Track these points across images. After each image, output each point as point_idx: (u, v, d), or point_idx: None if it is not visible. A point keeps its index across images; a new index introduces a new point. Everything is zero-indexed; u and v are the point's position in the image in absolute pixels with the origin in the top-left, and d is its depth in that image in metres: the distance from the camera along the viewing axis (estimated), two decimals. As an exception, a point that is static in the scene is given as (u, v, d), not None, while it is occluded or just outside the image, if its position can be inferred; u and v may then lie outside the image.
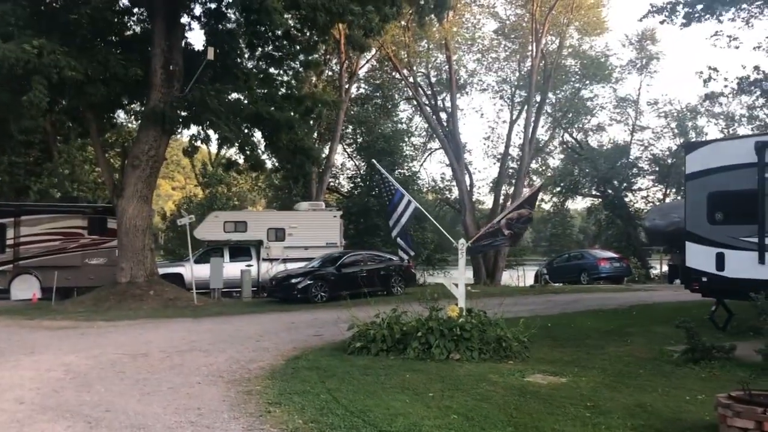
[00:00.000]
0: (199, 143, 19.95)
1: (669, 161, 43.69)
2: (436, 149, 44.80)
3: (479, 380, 7.63)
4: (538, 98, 36.98)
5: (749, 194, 10.46)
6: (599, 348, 10.13)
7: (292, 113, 20.99)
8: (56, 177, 29.69)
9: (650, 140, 45.11)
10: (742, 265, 10.49)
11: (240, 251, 23.15)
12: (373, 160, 11.44)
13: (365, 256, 20.70)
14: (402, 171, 36.95)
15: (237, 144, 20.30)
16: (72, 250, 22.42)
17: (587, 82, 43.17)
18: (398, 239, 10.77)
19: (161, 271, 20.94)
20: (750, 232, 10.45)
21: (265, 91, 21.18)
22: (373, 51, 35.33)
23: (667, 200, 41.01)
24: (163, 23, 18.58)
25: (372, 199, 33.00)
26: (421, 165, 41.58)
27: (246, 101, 19.68)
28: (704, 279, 11.21)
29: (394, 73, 38.91)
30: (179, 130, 19.20)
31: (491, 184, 44.01)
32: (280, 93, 21.90)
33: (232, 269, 21.58)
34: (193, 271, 19.61)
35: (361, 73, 37.92)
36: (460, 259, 10.12)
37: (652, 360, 8.97)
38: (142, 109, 19.62)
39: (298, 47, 22.28)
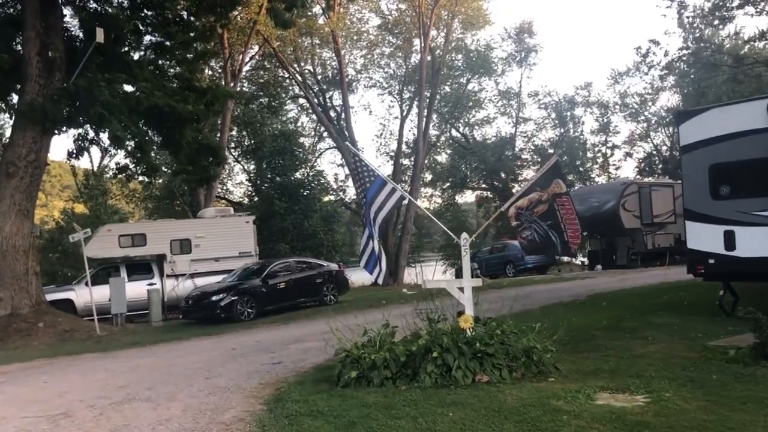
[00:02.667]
0: (87, 144, 16.84)
1: (550, 151, 45.07)
2: (326, 149, 43.37)
3: (545, 411, 5.93)
4: (428, 93, 36.37)
5: (761, 163, 9.48)
6: (625, 350, 8.74)
7: (191, 107, 18.39)
8: None
9: (533, 131, 46.52)
10: (758, 242, 9.47)
11: (139, 268, 20.20)
12: (348, 143, 9.42)
13: (292, 264, 18.48)
14: (305, 170, 34.80)
15: (131, 144, 17.47)
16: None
17: (474, 75, 43.53)
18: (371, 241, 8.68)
19: (47, 297, 17.66)
20: (764, 206, 9.46)
21: (161, 83, 18.40)
22: (256, 48, 33.32)
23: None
24: (35, 1, 15.46)
25: (277, 201, 30.66)
26: (311, 166, 39.59)
27: (141, 93, 16.82)
28: (711, 261, 10.12)
29: (279, 71, 36.93)
30: (63, 129, 15.98)
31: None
32: (176, 85, 19.23)
33: (133, 289, 18.66)
34: (92, 295, 16.55)
35: (243, 71, 35.42)
36: (464, 257, 8.36)
37: (706, 360, 7.65)
38: (15, 105, 16.26)
39: (192, 34, 19.74)
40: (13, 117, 15.92)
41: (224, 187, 39.90)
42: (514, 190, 46.30)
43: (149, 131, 18.02)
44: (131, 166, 20.02)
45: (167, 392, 8.20)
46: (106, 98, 15.33)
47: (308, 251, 29.98)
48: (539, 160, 45.43)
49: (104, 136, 17.58)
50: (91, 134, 16.82)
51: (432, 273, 43.25)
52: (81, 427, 6.79)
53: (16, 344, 14.35)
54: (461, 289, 8.28)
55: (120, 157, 34.56)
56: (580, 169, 45.72)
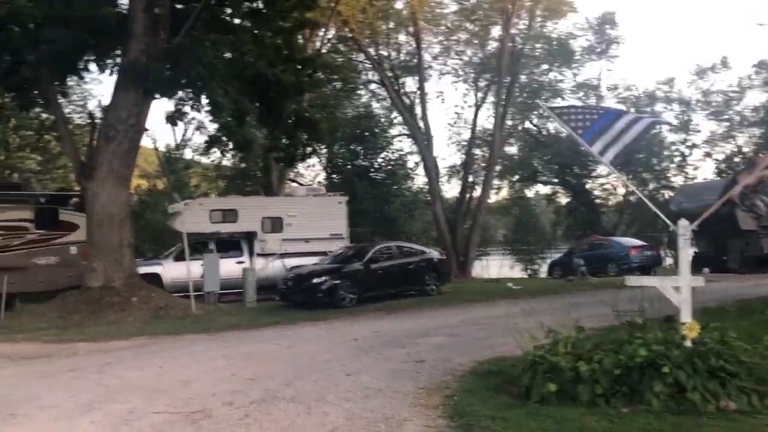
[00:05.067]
0: (186, 109, 15.81)
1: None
2: (396, 136, 41.89)
3: None
4: (507, 80, 34.51)
5: None
6: None
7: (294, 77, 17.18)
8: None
9: None
10: None
11: (229, 245, 19.19)
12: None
13: (394, 249, 17.15)
14: (387, 154, 33.38)
15: (229, 115, 16.36)
16: (16, 248, 17.99)
17: (553, 65, 41.46)
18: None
19: (134, 271, 16.86)
20: None
21: (264, 51, 17.21)
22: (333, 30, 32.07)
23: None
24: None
25: (357, 181, 29.39)
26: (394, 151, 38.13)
27: (247, 59, 15.67)
28: None
29: (354, 55, 35.57)
30: (163, 93, 14.96)
31: (457, 170, 41.65)
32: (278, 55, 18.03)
33: (222, 267, 17.66)
34: (189, 271, 15.56)
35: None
36: (682, 249, 6.77)
37: None
38: (116, 64, 15.31)
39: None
40: (116, 77, 14.95)
41: (295, 170, 38.96)
42: (587, 186, 44.39)
43: (247, 101, 16.83)
44: (224, 138, 19.04)
45: (311, 391, 6.92)
46: (210, 60, 14.24)
47: (388, 237, 28.71)
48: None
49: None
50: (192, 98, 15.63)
51: (498, 267, 41.55)
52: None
53: (110, 318, 13.50)
54: (676, 289, 6.68)
55: (203, 132, 34.99)
56: (656, 168, 43.10)
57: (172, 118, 15.89)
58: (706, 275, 23.23)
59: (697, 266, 25.74)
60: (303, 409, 6.21)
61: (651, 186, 44.38)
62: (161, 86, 14.28)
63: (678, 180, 43.69)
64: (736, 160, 41.41)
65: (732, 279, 20.39)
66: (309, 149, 19.50)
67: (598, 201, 44.79)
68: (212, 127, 19.63)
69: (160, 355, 9.50)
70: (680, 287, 6.66)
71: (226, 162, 36.30)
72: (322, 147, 21.92)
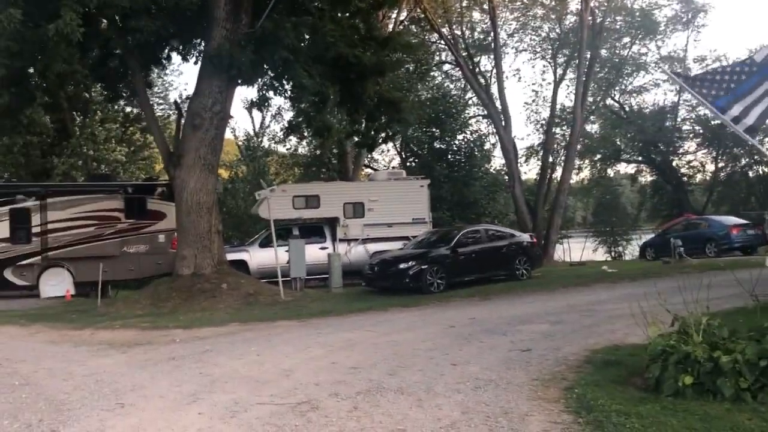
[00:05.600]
0: (271, 94, 15.69)
1: (714, 122, 40.18)
2: (472, 117, 40.92)
3: None
4: (588, 55, 32.99)
5: None
6: None
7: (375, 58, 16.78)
8: (79, 157, 25.73)
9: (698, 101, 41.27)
10: None
11: (311, 231, 19.17)
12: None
13: (482, 233, 16.62)
14: (465, 136, 32.66)
15: (313, 96, 16.14)
16: (108, 237, 18.54)
17: (636, 37, 39.38)
18: None
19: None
20: None
21: (344, 32, 16.87)
22: (405, 12, 31.38)
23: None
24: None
25: (437, 167, 28.89)
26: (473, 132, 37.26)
27: (329, 39, 15.36)
28: None
29: (428, 35, 34.80)
30: (247, 79, 14.86)
31: (536, 150, 40.46)
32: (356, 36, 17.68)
33: (307, 253, 17.58)
34: (277, 257, 15.54)
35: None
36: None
37: None
38: (200, 51, 15.33)
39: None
40: (200, 65, 15.00)
41: (370, 155, 38.74)
42: (673, 164, 42.23)
43: (329, 84, 16.58)
44: (303, 125, 18.95)
45: (418, 381, 6.57)
46: (292, 42, 14.02)
47: (467, 220, 28.16)
48: (701, 131, 41.02)
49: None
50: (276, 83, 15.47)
51: (580, 250, 40.20)
52: (341, 426, 5.25)
53: (201, 305, 13.58)
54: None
55: (279, 121, 35.27)
56: (749, 143, 40.28)
57: (257, 104, 15.82)
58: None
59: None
60: (413, 401, 5.86)
61: (743, 161, 41.93)
62: (245, 72, 14.17)
63: (775, 154, 41.03)
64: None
65: None
66: (390, 132, 19.09)
67: (685, 179, 42.73)
68: (289, 116, 19.62)
69: (256, 343, 9.38)
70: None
71: (302, 150, 36.71)
72: (401, 130, 21.46)
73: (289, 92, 15.91)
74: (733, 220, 24.00)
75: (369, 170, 36.85)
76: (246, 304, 13.72)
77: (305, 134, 21.09)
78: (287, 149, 37.88)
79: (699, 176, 43.75)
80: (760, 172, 41.79)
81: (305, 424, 5.33)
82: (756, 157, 41.19)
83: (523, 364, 7.24)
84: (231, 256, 17.69)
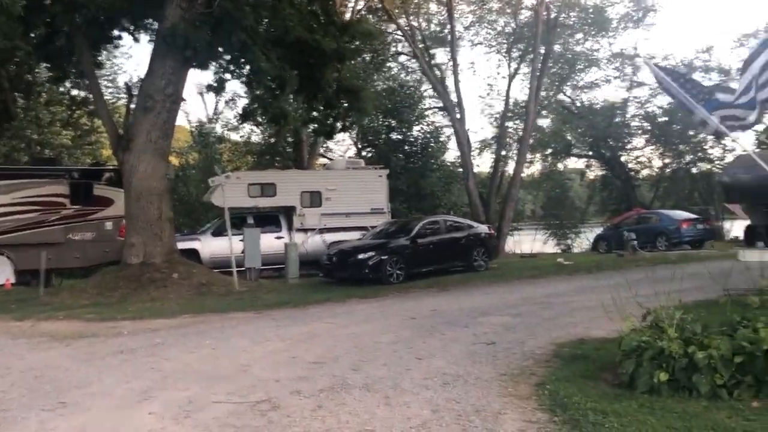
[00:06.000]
0: (228, 77, 15.11)
1: (663, 119, 41.25)
2: (428, 109, 40.85)
3: None
4: (542, 50, 33.27)
5: None
6: None
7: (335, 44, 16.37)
8: (21, 140, 24.55)
9: (647, 97, 42.73)
10: None
11: (267, 220, 18.64)
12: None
13: (441, 224, 16.45)
14: (423, 127, 32.51)
15: (271, 81, 15.65)
16: (52, 224, 17.67)
17: (591, 33, 39.97)
18: None
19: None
20: None
21: (303, 16, 16.39)
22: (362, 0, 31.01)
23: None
24: None
25: (392, 156, 28.64)
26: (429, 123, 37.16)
27: (288, 23, 14.88)
28: None
29: (384, 25, 34.49)
30: (202, 61, 14.28)
31: (489, 144, 40.77)
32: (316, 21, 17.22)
33: (262, 243, 17.10)
34: (231, 246, 15.03)
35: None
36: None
37: None
38: (154, 31, 14.65)
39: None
40: (153, 44, 14.34)
41: (325, 144, 38.23)
42: (622, 159, 43.07)
43: (288, 68, 16.08)
44: (259, 111, 18.41)
45: (383, 377, 6.30)
46: (251, 24, 13.53)
47: (423, 212, 28.05)
48: (650, 128, 42.01)
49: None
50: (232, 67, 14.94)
51: (530, 242, 40.61)
52: (305, 427, 4.93)
53: (151, 295, 13.03)
54: (800, 266, 5.88)
55: (232, 107, 34.37)
56: (693, 139, 41.66)
57: (213, 88, 15.22)
58: (762, 249, 22.36)
59: (750, 239, 24.71)
60: (381, 399, 5.58)
61: (687, 158, 43.08)
62: (200, 53, 13.59)
63: (715, 152, 42.34)
64: (776, 132, 39.79)
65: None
66: (348, 120, 18.73)
67: (632, 174, 43.71)
68: (244, 102, 19.05)
69: (210, 335, 8.96)
70: (805, 264, 5.86)
71: (256, 138, 36.02)
72: (359, 118, 21.08)
73: (246, 76, 15.37)
74: (683, 214, 24.49)
75: (325, 160, 36.42)
76: (198, 295, 13.23)
77: (260, 121, 20.47)
78: (241, 137, 37.17)
79: (646, 172, 44.78)
80: (704, 169, 43.08)
81: (266, 425, 5.00)
82: (700, 154, 42.46)
83: (490, 358, 7.05)
84: (182, 245, 17.05)
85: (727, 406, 4.94)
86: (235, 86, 48.77)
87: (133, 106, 15.06)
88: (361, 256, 14.68)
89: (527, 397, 5.57)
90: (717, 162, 42.33)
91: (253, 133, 35.76)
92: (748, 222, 25.74)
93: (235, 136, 36.89)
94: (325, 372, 6.57)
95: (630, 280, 13.59)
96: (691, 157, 42.79)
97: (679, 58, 43.26)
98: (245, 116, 19.80)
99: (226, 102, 32.79)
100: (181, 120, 32.91)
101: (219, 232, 17.53)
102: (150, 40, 14.33)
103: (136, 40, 14.52)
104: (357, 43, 17.29)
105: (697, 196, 42.42)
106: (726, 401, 5.08)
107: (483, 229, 17.29)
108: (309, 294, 13.42)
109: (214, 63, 15.09)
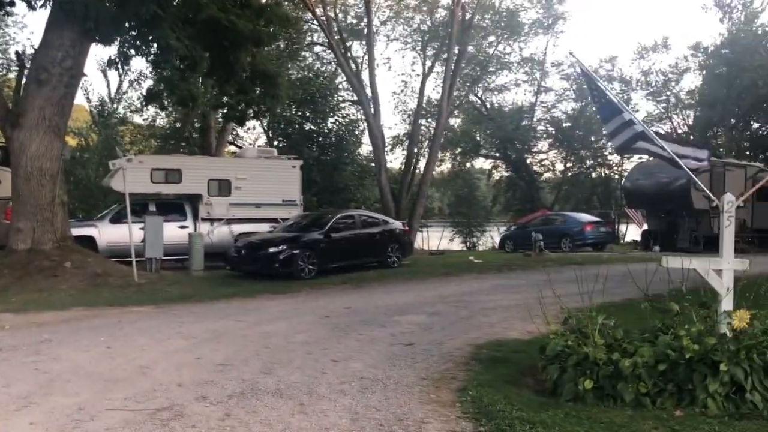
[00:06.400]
0: (132, 52, 14.05)
1: (567, 124, 43.03)
2: (343, 101, 40.46)
3: None
4: (456, 50, 33.72)
5: None
6: None
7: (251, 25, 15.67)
8: None
9: (554, 103, 44.57)
10: None
11: (170, 208, 17.66)
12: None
13: (357, 218, 16.10)
14: (337, 119, 32.05)
15: (181, 61, 14.77)
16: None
17: (501, 37, 40.98)
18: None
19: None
20: None
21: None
22: None
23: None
24: None
25: (306, 149, 28.05)
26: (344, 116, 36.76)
27: (199, 1, 14.05)
28: None
29: (300, 13, 33.81)
30: (108, 34, 13.21)
31: (401, 140, 41.03)
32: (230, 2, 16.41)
33: (165, 232, 16.17)
34: (131, 234, 14.07)
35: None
36: (727, 228, 5.99)
37: None
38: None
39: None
40: (49, 13, 13.14)
41: (235, 132, 37.06)
42: (527, 161, 44.45)
43: (200, 49, 15.21)
44: (166, 92, 17.42)
45: (297, 382, 5.87)
46: (160, -3, 12.66)
47: (336, 205, 27.69)
48: (554, 132, 43.63)
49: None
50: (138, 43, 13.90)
51: (437, 239, 41.19)
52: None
53: (39, 286, 11.96)
54: (718, 273, 5.91)
55: (137, 89, 32.61)
56: (594, 146, 43.70)
57: (116, 62, 14.14)
58: (657, 253, 23.45)
59: (646, 244, 25.93)
60: (295, 406, 5.16)
61: (588, 163, 44.96)
62: (103, 25, 12.57)
63: (614, 158, 44.44)
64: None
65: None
66: (262, 106, 18.04)
67: (537, 176, 45.21)
68: (148, 84, 17.98)
69: (105, 331, 8.21)
70: (722, 270, 5.90)
71: (161, 121, 34.46)
72: (274, 105, 20.36)
73: (153, 54, 14.41)
74: (587, 217, 25.33)
75: (233, 147, 35.28)
76: (93, 286, 12.27)
77: (165, 104, 19.40)
78: (144, 119, 35.47)
79: (549, 174, 46.41)
80: (602, 174, 45.10)
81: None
82: (599, 159, 44.41)
83: (409, 361, 6.77)
84: (76, 232, 15.87)
85: (652, 416, 4.85)
86: (140, 64, 46.63)
87: (25, 78, 13.78)
88: (271, 250, 14.12)
89: (450, 404, 5.31)
90: (615, 168, 44.60)
91: (157, 116, 34.34)
92: (645, 227, 27.16)
93: (138, 119, 35.30)
94: (233, 375, 6.07)
95: (540, 280, 13.77)
96: (591, 162, 44.79)
97: (585, 65, 44.79)
98: (150, 97, 18.65)
99: (130, 82, 31.10)
100: (80, 99, 31.01)
101: (117, 219, 16.50)
102: (44, 4, 12.96)
103: (31, 7, 13.23)
104: (273, 27, 16.55)
105: (595, 200, 44.39)
106: (650, 410, 5.00)
107: (397, 225, 17.11)
108: (215, 288, 12.74)
109: (118, 38, 14.00)
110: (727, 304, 5.79)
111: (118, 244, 15.86)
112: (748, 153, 36.06)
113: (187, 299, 11.22)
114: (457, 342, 7.74)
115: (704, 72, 40.08)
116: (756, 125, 39.59)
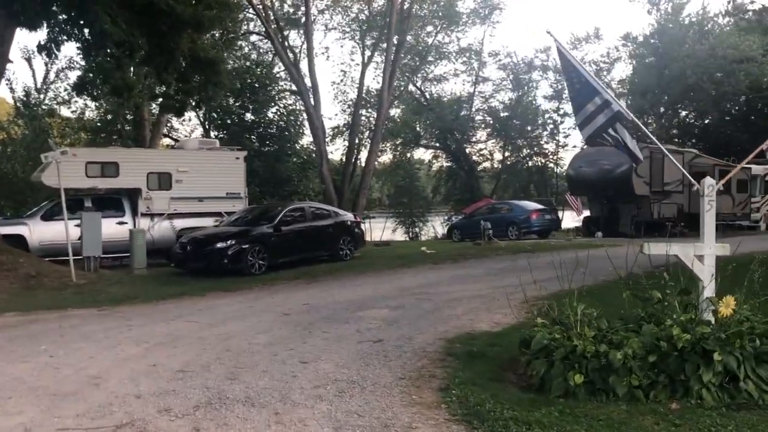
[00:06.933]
0: (64, 38, 13.12)
1: (504, 114, 43.66)
2: (283, 91, 39.57)
3: None
4: (396, 40, 33.51)
5: None
6: None
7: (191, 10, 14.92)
8: None
9: (491, 93, 45.20)
10: None
11: (107, 203, 16.76)
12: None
13: (307, 211, 15.58)
14: (278, 109, 31.24)
15: (117, 48, 13.92)
16: None
17: (440, 26, 41.09)
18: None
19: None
20: None
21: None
22: None
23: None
24: None
25: (247, 140, 27.22)
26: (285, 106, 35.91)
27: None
28: None
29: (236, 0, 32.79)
30: (35, 18, 12.27)
31: (343, 130, 40.66)
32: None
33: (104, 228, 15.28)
34: (68, 231, 13.18)
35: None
36: (708, 211, 5.83)
37: None
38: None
39: None
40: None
41: (169, 125, 35.68)
42: (467, 151, 44.82)
43: (137, 34, 14.36)
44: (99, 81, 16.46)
45: (268, 388, 5.44)
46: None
47: (280, 197, 27.04)
48: (491, 122, 44.16)
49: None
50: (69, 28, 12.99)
51: (381, 231, 41.09)
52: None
53: (-34, 290, 11.04)
54: (699, 258, 5.77)
55: (63, 80, 30.98)
56: (530, 135, 44.52)
57: (45, 48, 13.16)
58: (600, 239, 23.84)
59: (589, 230, 26.35)
60: (270, 416, 4.74)
61: (524, 152, 45.68)
62: (31, 8, 11.64)
63: (550, 147, 45.37)
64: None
65: (631, 244, 20.63)
66: (204, 95, 17.27)
67: (476, 166, 45.64)
68: (76, 75, 16.96)
69: (46, 339, 7.53)
70: (703, 256, 5.77)
71: (90, 113, 32.95)
72: (217, 93, 19.51)
73: (85, 40, 13.51)
74: (533, 205, 25.53)
75: (168, 140, 34.02)
76: (27, 289, 11.43)
77: (96, 94, 18.39)
78: (73, 112, 33.82)
79: (488, 164, 46.94)
80: (539, 162, 45.92)
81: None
82: (536, 148, 45.20)
83: (381, 359, 6.42)
84: (5, 230, 14.94)
85: (649, 410, 4.66)
86: (70, 51, 44.46)
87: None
88: (219, 245, 13.49)
89: (435, 405, 5.00)
90: (551, 156, 45.55)
91: (87, 108, 32.83)
92: (583, 214, 27.60)
93: (66, 112, 33.65)
94: (196, 383, 5.59)
95: (497, 269, 13.69)
96: (528, 151, 45.52)
97: (520, 56, 45.75)
98: (82, 87, 17.62)
99: (58, 72, 29.52)
100: (2, 90, 29.30)
101: (50, 216, 15.56)
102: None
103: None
104: (213, 12, 15.80)
105: (532, 188, 45.15)
106: (644, 404, 4.81)
107: (349, 217, 16.71)
108: (161, 287, 12.08)
109: (45, 22, 13.05)
110: (710, 290, 5.67)
111: (52, 243, 14.95)
112: (676, 140, 37.25)
113: (133, 300, 10.54)
114: (427, 336, 7.45)
115: (634, 62, 41.28)
116: (684, 113, 41.06)
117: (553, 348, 5.29)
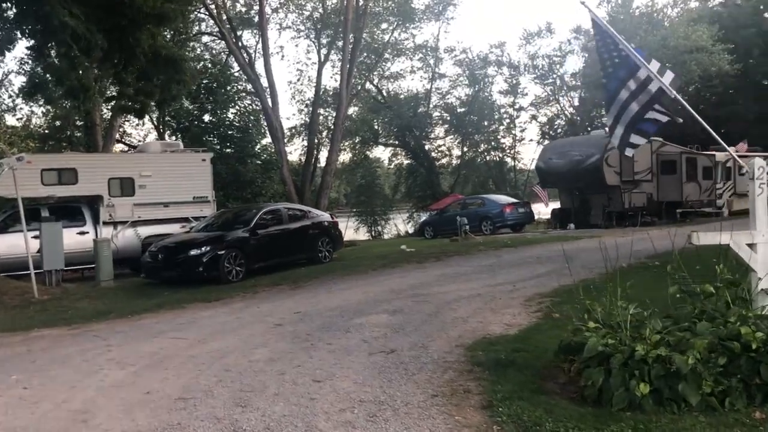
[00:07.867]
0: (18, 35, 12.08)
1: (461, 110, 43.60)
2: (239, 91, 38.38)
3: None
4: (352, 38, 32.89)
5: None
6: None
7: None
8: None
9: (448, 89, 45.24)
10: None
11: (66, 212, 15.70)
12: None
13: (283, 212, 14.81)
14: (239, 109, 30.26)
15: (76, 44, 12.92)
16: None
17: (395, 23, 40.73)
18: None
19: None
20: None
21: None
22: None
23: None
24: None
25: (208, 142, 26.25)
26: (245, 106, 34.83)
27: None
28: None
29: None
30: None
31: (301, 130, 39.99)
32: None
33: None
34: (28, 244, 12.13)
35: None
36: (759, 195, 5.34)
37: None
38: None
39: None
40: None
41: (122, 129, 34.23)
42: (426, 148, 44.54)
43: (93, 29, 13.35)
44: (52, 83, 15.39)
45: (287, 414, 4.74)
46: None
47: (244, 200, 26.17)
48: (449, 118, 44.02)
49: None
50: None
51: (344, 230, 40.44)
52: None
53: None
54: (751, 247, 5.29)
55: (14, 83, 29.33)
56: (487, 130, 44.59)
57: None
58: (573, 230, 23.63)
59: (561, 221, 26.16)
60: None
61: (482, 147, 45.63)
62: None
63: (507, 141, 45.49)
64: (558, 122, 43.51)
65: (607, 234, 20.35)
66: (166, 94, 16.31)
67: (436, 162, 45.47)
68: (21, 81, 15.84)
69: (15, 367, 6.64)
70: (756, 244, 5.28)
71: (37, 120, 31.55)
72: (182, 91, 18.47)
73: (37, 38, 12.49)
74: (506, 199, 25.22)
75: (121, 146, 32.63)
76: (-16, 308, 10.41)
77: (51, 97, 17.29)
78: (18, 119, 32.28)
79: (447, 160, 46.79)
80: (497, 157, 45.92)
81: None
82: (493, 143, 45.22)
83: (402, 373, 5.78)
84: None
85: (733, 421, 4.14)
86: (18, 53, 42.36)
87: None
88: (193, 252, 12.64)
89: (485, 426, 4.40)
90: (509, 151, 45.69)
91: (33, 115, 31.40)
92: (555, 205, 27.43)
93: (11, 120, 32.10)
94: (202, 413, 4.86)
95: (485, 266, 13.13)
96: (486, 146, 45.50)
97: (475, 52, 45.85)
98: (34, 89, 16.51)
99: (1, 79, 28.00)
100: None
101: (3, 228, 14.44)
102: None
103: None
104: (173, 5, 14.91)
105: (491, 183, 45.11)
106: (722, 413, 4.29)
107: (326, 217, 16.01)
108: (134, 300, 11.19)
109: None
110: (766, 282, 5.20)
111: (7, 257, 13.86)
112: (631, 130, 37.48)
113: (106, 316, 9.66)
114: (442, 344, 6.84)
115: (586, 54, 41.52)
116: (636, 103, 41.38)
117: (609, 354, 4.73)
